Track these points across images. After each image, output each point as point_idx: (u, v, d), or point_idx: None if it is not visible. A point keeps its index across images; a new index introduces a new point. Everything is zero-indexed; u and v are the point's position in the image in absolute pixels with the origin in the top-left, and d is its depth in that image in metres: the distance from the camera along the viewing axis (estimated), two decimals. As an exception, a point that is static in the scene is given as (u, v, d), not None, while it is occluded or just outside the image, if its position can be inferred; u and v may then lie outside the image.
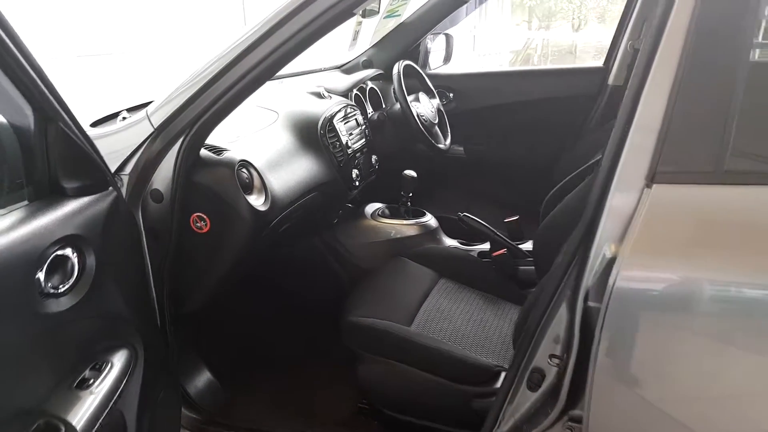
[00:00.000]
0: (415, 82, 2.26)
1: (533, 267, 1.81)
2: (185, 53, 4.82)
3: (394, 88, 2.11)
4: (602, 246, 0.94)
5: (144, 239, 1.25)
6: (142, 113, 1.25)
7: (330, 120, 1.80)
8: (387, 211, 2.06)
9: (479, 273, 1.78)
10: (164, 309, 1.32)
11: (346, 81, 2.10)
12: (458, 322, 1.54)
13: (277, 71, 1.18)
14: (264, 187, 1.42)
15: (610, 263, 0.92)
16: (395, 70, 2.05)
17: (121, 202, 1.10)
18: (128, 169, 1.22)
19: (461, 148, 2.55)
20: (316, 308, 1.92)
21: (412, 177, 1.96)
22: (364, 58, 2.47)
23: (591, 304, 0.96)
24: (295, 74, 2.19)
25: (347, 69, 2.48)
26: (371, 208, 2.08)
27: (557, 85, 2.48)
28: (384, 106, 2.36)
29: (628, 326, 0.90)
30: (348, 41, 2.43)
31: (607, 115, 2.34)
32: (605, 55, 2.42)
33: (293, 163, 1.62)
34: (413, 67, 2.21)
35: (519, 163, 2.55)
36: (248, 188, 1.39)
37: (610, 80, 2.33)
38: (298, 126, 1.73)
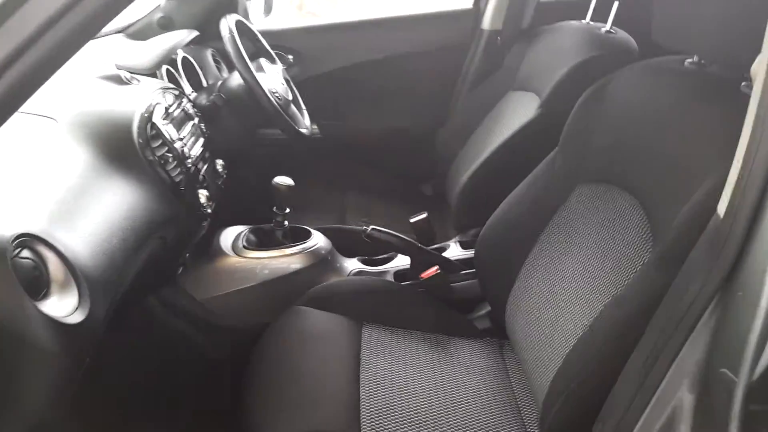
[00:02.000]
0: (248, 44, 1.65)
1: (469, 281, 1.42)
2: None
3: (225, 54, 1.51)
4: None
5: None
6: None
7: (149, 120, 1.15)
8: (253, 237, 1.47)
9: (410, 306, 1.32)
10: None
11: (148, 53, 1.40)
12: (420, 398, 1.09)
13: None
14: (72, 273, 0.77)
15: None
16: (225, 30, 1.43)
17: None
18: None
19: (315, 127, 2.02)
20: (174, 409, 1.30)
21: (289, 186, 1.39)
22: (160, 15, 1.77)
23: (759, 407, 0.58)
24: None
25: (135, 33, 1.76)
26: (228, 236, 1.46)
27: (421, 35, 2.06)
28: (206, 83, 1.71)
29: None
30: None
31: (485, 68, 2.00)
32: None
33: (104, 206, 0.96)
34: (244, 23, 1.59)
35: (391, 137, 2.12)
36: (40, 287, 0.74)
37: (485, 24, 1.98)
38: (99, 137, 1.05)
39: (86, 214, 0.90)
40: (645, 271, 0.86)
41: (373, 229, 1.36)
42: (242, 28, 1.55)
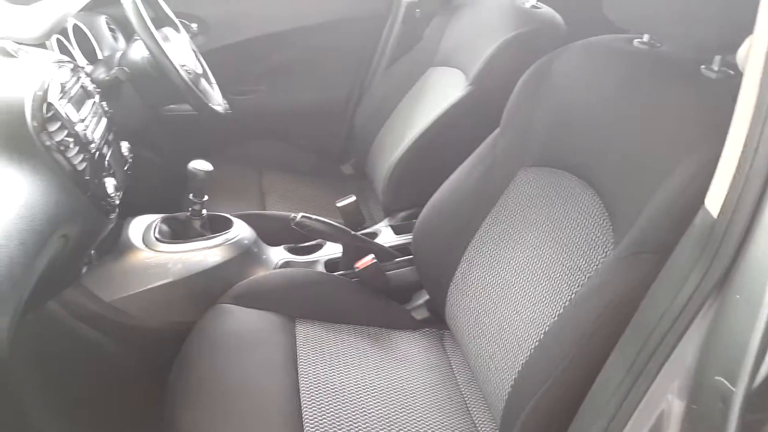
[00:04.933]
0: (149, 11, 1.51)
1: (404, 269, 1.41)
2: None
3: (122, 22, 1.37)
4: None
5: None
6: None
7: (44, 99, 1.02)
8: (166, 228, 1.36)
9: (346, 299, 1.29)
10: None
11: (36, 19, 1.24)
12: (366, 404, 1.05)
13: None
14: None
15: None
16: None
17: None
18: None
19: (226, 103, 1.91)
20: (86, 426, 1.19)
21: (207, 171, 1.29)
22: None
23: (757, 416, 0.55)
24: None
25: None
26: (138, 228, 1.33)
27: (334, 4, 1.99)
28: (101, 55, 1.55)
29: None
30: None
31: (403, 41, 1.97)
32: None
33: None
34: (144, -14, 1.45)
35: (306, 114, 2.04)
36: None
37: (405, -7, 1.95)
38: None
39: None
40: (613, 266, 0.83)
41: (303, 216, 1.30)
42: (141, -7, 1.41)
